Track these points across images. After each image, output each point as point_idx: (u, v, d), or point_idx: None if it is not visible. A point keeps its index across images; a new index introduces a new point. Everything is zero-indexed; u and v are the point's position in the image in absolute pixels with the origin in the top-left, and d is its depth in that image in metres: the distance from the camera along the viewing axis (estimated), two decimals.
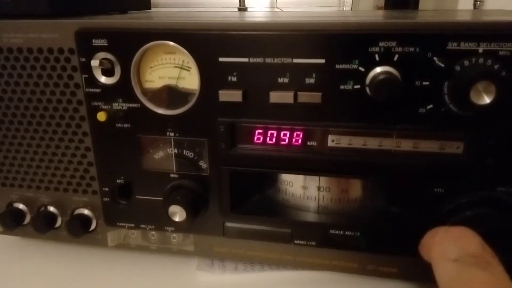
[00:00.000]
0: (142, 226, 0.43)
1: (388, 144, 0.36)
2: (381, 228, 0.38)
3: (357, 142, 0.36)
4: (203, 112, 0.37)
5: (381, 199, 0.40)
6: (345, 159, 0.36)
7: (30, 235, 0.47)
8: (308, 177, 0.40)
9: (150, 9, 0.66)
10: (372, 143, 0.36)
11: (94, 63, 0.37)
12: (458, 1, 0.66)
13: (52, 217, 0.45)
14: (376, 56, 0.32)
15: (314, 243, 0.39)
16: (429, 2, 0.71)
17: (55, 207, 0.45)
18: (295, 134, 0.37)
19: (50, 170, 0.43)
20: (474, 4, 0.54)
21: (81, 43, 0.37)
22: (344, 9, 0.85)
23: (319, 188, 0.40)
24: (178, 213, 0.38)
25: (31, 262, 0.46)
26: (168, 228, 0.42)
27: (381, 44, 0.32)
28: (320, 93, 0.34)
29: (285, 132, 0.37)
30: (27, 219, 0.46)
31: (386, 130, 0.35)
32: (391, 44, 0.32)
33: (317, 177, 0.39)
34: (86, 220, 0.44)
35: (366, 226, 0.38)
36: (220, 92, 0.36)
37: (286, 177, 0.41)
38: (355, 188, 0.40)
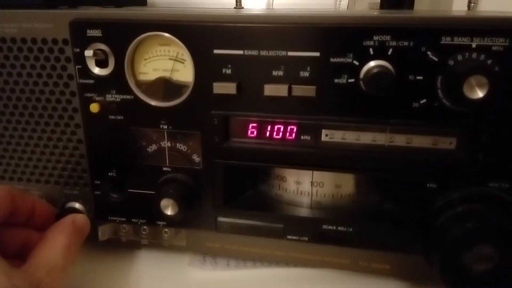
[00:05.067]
0: (133, 220, 0.42)
1: (382, 139, 0.36)
2: (374, 224, 0.38)
3: (351, 136, 0.36)
4: (197, 104, 0.37)
5: (374, 195, 0.40)
6: (339, 153, 0.36)
7: None
8: (301, 172, 0.40)
9: (146, 5, 0.66)
10: (366, 138, 0.36)
11: (88, 53, 0.36)
12: (452, 3, 0.66)
13: None
14: (370, 50, 0.32)
15: (306, 239, 0.39)
16: (424, 4, 0.71)
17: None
18: (289, 128, 0.37)
19: (42, 163, 0.43)
20: (468, 6, 0.55)
21: (75, 33, 0.37)
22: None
23: (312, 183, 0.39)
24: (170, 207, 0.38)
25: None
26: (160, 223, 0.42)
27: (375, 38, 0.32)
28: (315, 87, 0.34)
29: (279, 126, 0.37)
30: None
31: (380, 124, 0.35)
32: (385, 38, 0.32)
33: (310, 172, 0.39)
34: (76, 213, 0.43)
35: (359, 222, 0.38)
36: (215, 84, 0.35)
37: (279, 172, 0.41)
38: (349, 183, 0.40)
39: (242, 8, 0.83)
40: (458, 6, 0.65)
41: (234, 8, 0.82)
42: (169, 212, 0.38)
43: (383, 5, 0.76)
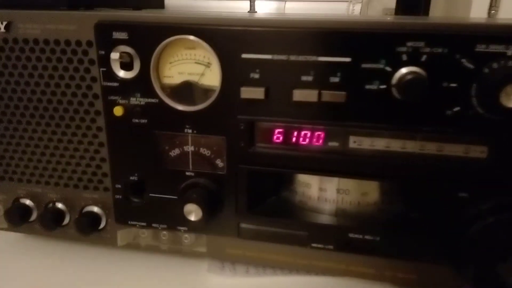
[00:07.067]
0: (154, 225, 0.42)
1: (412, 146, 0.35)
2: (402, 233, 0.37)
3: (380, 144, 0.36)
4: (223, 109, 0.36)
5: (401, 203, 0.40)
6: (367, 161, 0.36)
7: (36, 232, 0.46)
8: (326, 178, 0.39)
9: (164, 8, 0.66)
10: (395, 145, 0.35)
11: (114, 56, 0.36)
12: (470, 10, 0.66)
13: (60, 214, 0.44)
14: (404, 56, 0.32)
15: (331, 247, 0.38)
16: (439, 10, 0.71)
17: (64, 203, 0.44)
18: (316, 134, 0.36)
19: (61, 166, 0.42)
20: (489, 13, 0.54)
21: (101, 35, 0.36)
22: None
23: (338, 191, 0.39)
24: (194, 212, 0.37)
25: (36, 261, 0.45)
26: (181, 228, 0.41)
27: (409, 44, 0.32)
28: (345, 93, 0.34)
29: (306, 132, 0.36)
30: (34, 215, 0.45)
31: (411, 132, 0.34)
32: (419, 44, 0.32)
33: (336, 179, 0.39)
34: (96, 218, 0.43)
35: (386, 231, 0.37)
36: (242, 89, 0.35)
37: (304, 178, 0.40)
38: (376, 191, 0.39)
39: (256, 12, 0.83)
40: (476, 13, 0.64)
41: (248, 12, 0.82)
42: (192, 217, 0.38)
43: (397, 12, 0.75)
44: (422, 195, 0.36)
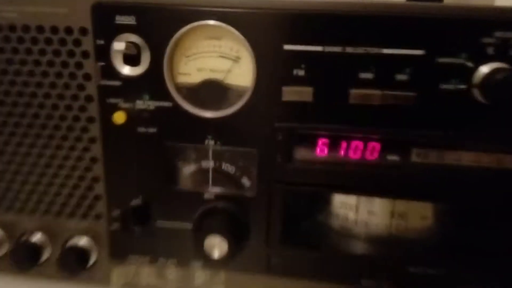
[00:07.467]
0: (160, 260, 0.33)
1: (488, 161, 0.29)
2: (473, 265, 0.31)
3: (449, 157, 0.29)
4: (256, 115, 0.29)
5: (473, 230, 0.33)
6: (432, 178, 0.29)
7: (7, 271, 0.36)
8: (377, 200, 0.32)
9: None
10: (468, 159, 0.29)
11: (118, 46, 0.28)
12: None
13: (38, 249, 0.35)
14: (490, 49, 0.26)
15: (386, 285, 0.31)
16: None
17: (43, 235, 0.35)
18: (370, 145, 0.30)
19: (40, 187, 0.34)
20: None
21: (100, 20, 0.29)
22: None
23: (392, 214, 0.32)
24: (216, 246, 0.30)
25: None
26: (195, 264, 0.33)
27: (497, 34, 0.26)
28: (415, 93, 0.27)
29: (357, 142, 0.30)
30: (3, 249, 0.36)
31: (490, 143, 0.28)
32: (509, 35, 0.26)
33: (389, 201, 0.32)
34: (83, 253, 0.34)
35: (453, 263, 0.31)
36: (285, 89, 0.28)
37: (347, 199, 0.33)
38: (439, 215, 0.33)
39: None
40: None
41: None
42: (216, 253, 0.30)
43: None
44: (498, 219, 0.30)
